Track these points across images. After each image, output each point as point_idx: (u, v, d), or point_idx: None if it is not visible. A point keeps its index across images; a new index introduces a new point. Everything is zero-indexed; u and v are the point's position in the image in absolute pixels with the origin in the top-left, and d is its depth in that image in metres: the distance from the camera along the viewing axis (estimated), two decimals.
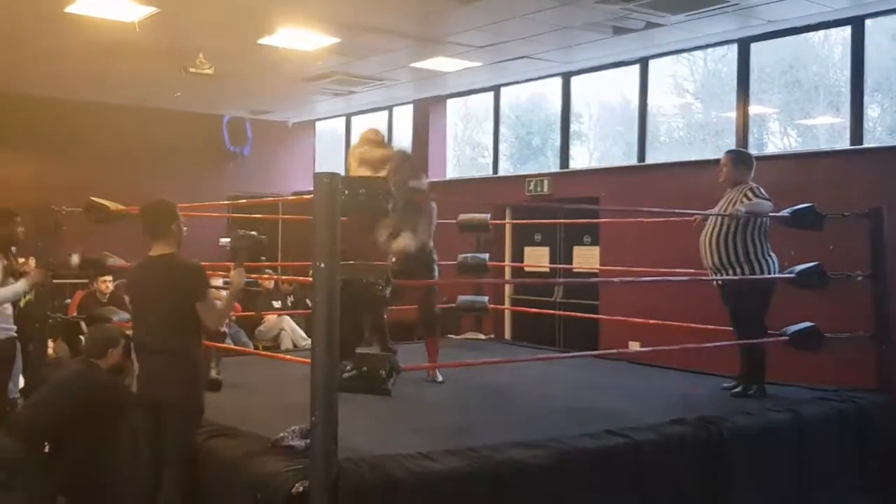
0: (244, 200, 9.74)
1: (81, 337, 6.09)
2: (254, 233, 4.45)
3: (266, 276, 8.88)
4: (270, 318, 9.42)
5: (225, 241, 5.27)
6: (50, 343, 6.89)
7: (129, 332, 5.03)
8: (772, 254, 5.46)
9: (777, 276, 5.47)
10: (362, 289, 4.31)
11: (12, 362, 5.81)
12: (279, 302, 9.92)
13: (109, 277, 7.99)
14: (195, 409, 4.03)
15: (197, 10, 7.60)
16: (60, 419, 4.48)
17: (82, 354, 4.98)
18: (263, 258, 10.48)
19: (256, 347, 8.98)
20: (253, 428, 4.06)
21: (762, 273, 5.37)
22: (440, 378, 5.76)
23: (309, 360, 3.43)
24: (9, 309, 5.66)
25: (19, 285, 5.56)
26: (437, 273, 5.90)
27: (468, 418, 4.74)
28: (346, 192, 3.54)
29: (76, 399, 4.53)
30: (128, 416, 4.48)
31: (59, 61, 9.55)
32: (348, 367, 4.94)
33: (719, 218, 5.42)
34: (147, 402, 4.08)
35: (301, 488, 3.31)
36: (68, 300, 8.89)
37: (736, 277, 5.37)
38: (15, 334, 5.75)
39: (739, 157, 5.69)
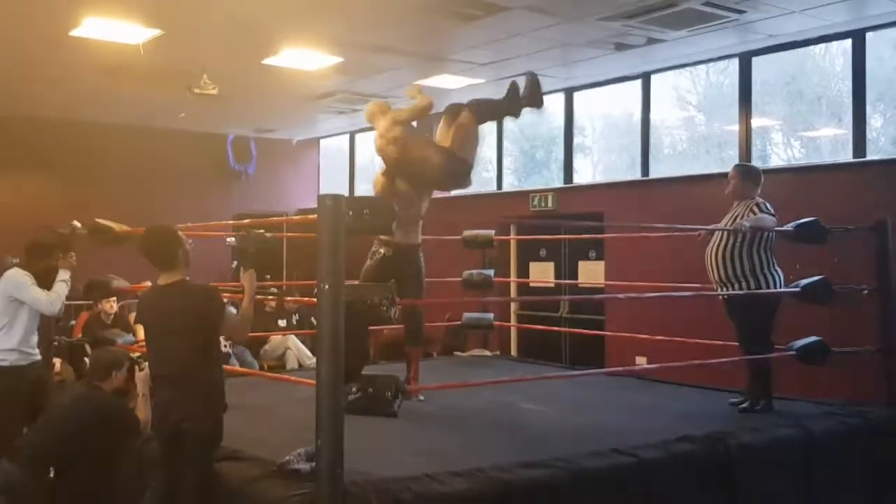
0: (247, 221, 9.72)
1: (86, 359, 6.07)
2: (261, 230, 4.27)
3: (271, 296, 8.88)
4: (276, 337, 9.40)
5: (231, 240, 5.16)
6: (57, 364, 6.89)
7: (135, 356, 5.05)
8: (777, 268, 5.45)
9: (782, 290, 5.47)
10: (367, 310, 4.29)
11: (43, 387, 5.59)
12: (284, 321, 9.92)
13: (114, 299, 8.00)
14: (216, 438, 3.88)
15: (201, 32, 7.64)
16: (64, 443, 4.47)
17: (86, 377, 4.97)
18: (268, 276, 10.48)
19: (262, 366, 8.97)
20: (258, 451, 4.04)
21: (768, 287, 5.37)
22: (421, 397, 5.65)
23: (314, 382, 3.42)
24: (35, 335, 5.52)
25: (63, 275, 5.44)
26: (423, 280, 5.83)
27: (475, 439, 4.72)
28: (350, 212, 3.54)
29: (80, 423, 4.52)
30: (132, 441, 4.46)
31: (64, 83, 9.61)
32: (354, 389, 4.93)
33: (725, 232, 5.41)
34: (167, 432, 3.91)
35: None
36: (73, 322, 8.90)
37: (742, 292, 5.36)
38: (39, 358, 5.58)
39: (747, 172, 5.70)
